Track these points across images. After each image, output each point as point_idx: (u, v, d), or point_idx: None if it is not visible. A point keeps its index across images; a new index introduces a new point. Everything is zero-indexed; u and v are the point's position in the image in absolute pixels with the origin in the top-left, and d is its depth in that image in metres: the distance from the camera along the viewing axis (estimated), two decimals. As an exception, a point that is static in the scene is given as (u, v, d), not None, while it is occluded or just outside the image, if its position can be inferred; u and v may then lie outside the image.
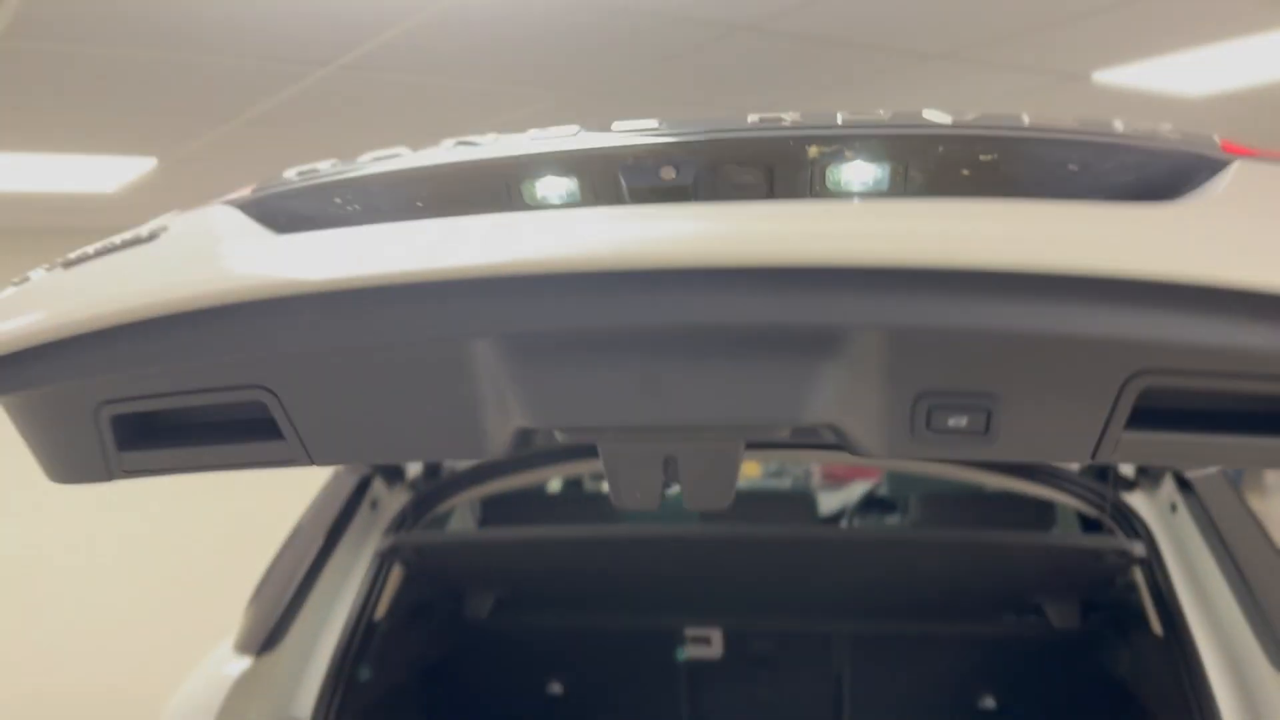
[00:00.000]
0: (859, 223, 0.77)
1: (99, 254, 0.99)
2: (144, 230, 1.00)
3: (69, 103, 3.29)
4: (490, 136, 0.94)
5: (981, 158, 0.90)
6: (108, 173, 4.23)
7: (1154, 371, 0.83)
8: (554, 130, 0.92)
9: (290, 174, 1.00)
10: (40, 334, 0.91)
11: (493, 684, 2.44)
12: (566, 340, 0.87)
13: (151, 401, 1.00)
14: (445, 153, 0.94)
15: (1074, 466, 2.05)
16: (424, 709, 2.29)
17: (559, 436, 0.93)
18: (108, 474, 1.07)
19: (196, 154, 4.00)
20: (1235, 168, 0.84)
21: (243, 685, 1.88)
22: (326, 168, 0.99)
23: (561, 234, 0.78)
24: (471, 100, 3.58)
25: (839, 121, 0.89)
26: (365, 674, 1.97)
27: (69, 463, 1.10)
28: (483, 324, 0.85)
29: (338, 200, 0.96)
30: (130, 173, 4.25)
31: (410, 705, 2.23)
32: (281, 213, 0.96)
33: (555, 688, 2.44)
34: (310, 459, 1.01)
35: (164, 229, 0.98)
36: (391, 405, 0.97)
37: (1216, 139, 0.91)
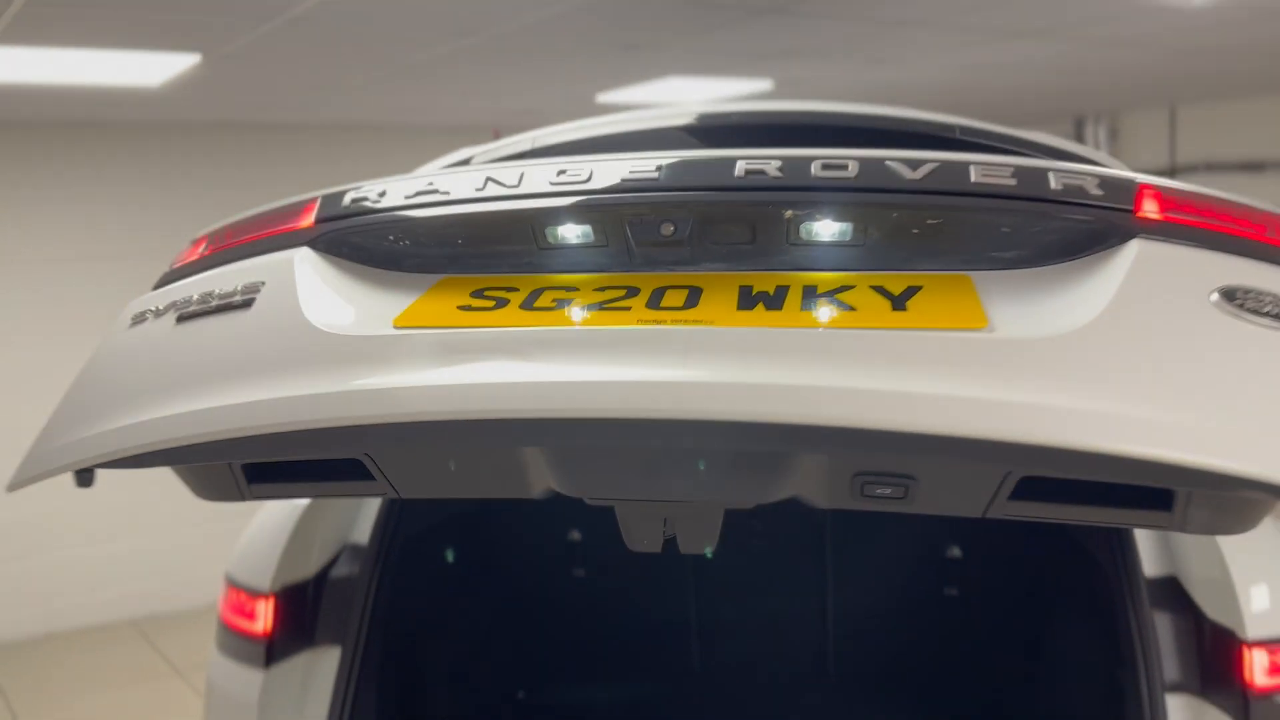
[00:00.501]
0: (778, 402, 0.99)
1: (203, 313, 1.25)
2: (238, 292, 1.24)
3: (114, -3, 3.31)
4: (518, 173, 1.23)
5: (929, 222, 1.17)
6: (152, 67, 4.26)
7: (1024, 472, 1.13)
8: (570, 173, 1.20)
9: (347, 201, 1.30)
10: (181, 440, 1.14)
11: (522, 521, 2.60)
12: (593, 449, 1.17)
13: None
14: (481, 204, 1.21)
15: None
16: (472, 533, 2.42)
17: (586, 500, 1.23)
18: (240, 498, 1.39)
19: (240, 51, 4.01)
20: (1133, 254, 1.10)
21: (310, 511, 2.13)
22: (374, 195, 1.29)
23: (586, 393, 1.02)
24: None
25: (812, 176, 1.14)
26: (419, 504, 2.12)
27: (210, 490, 1.42)
28: (541, 442, 1.17)
29: (391, 239, 1.28)
30: (174, 68, 4.27)
31: (462, 528, 2.36)
32: (349, 250, 1.28)
33: (575, 534, 2.61)
34: (397, 493, 1.31)
35: (257, 290, 1.23)
36: (462, 468, 1.28)
37: (1135, 184, 1.17)
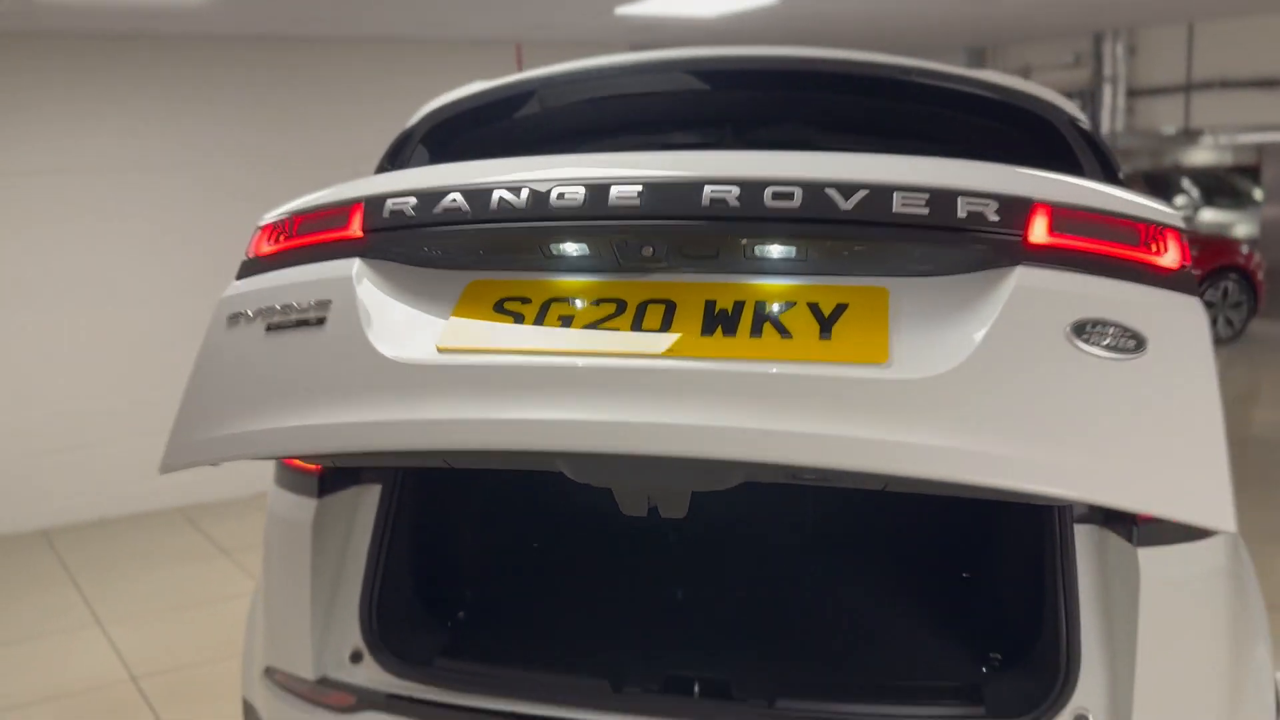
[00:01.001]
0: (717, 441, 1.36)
1: (286, 325, 1.58)
2: (311, 309, 1.57)
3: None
4: (530, 195, 1.52)
5: (856, 248, 1.48)
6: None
7: (896, 487, 1.46)
8: (568, 198, 1.49)
9: (387, 213, 1.59)
10: (289, 451, 1.54)
11: None
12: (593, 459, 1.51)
13: None
14: (499, 223, 1.52)
15: None
16: None
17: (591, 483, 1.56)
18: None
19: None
20: (1010, 287, 1.38)
21: None
22: (410, 208, 1.59)
23: (585, 432, 1.38)
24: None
25: (765, 205, 1.44)
26: None
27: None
28: (552, 464, 1.54)
29: (426, 249, 1.61)
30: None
31: None
32: (394, 254, 1.60)
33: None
34: (450, 466, 1.77)
35: (327, 308, 1.56)
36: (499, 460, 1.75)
37: (1029, 206, 1.43)
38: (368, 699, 1.93)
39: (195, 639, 4.29)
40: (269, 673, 2.10)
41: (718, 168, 1.51)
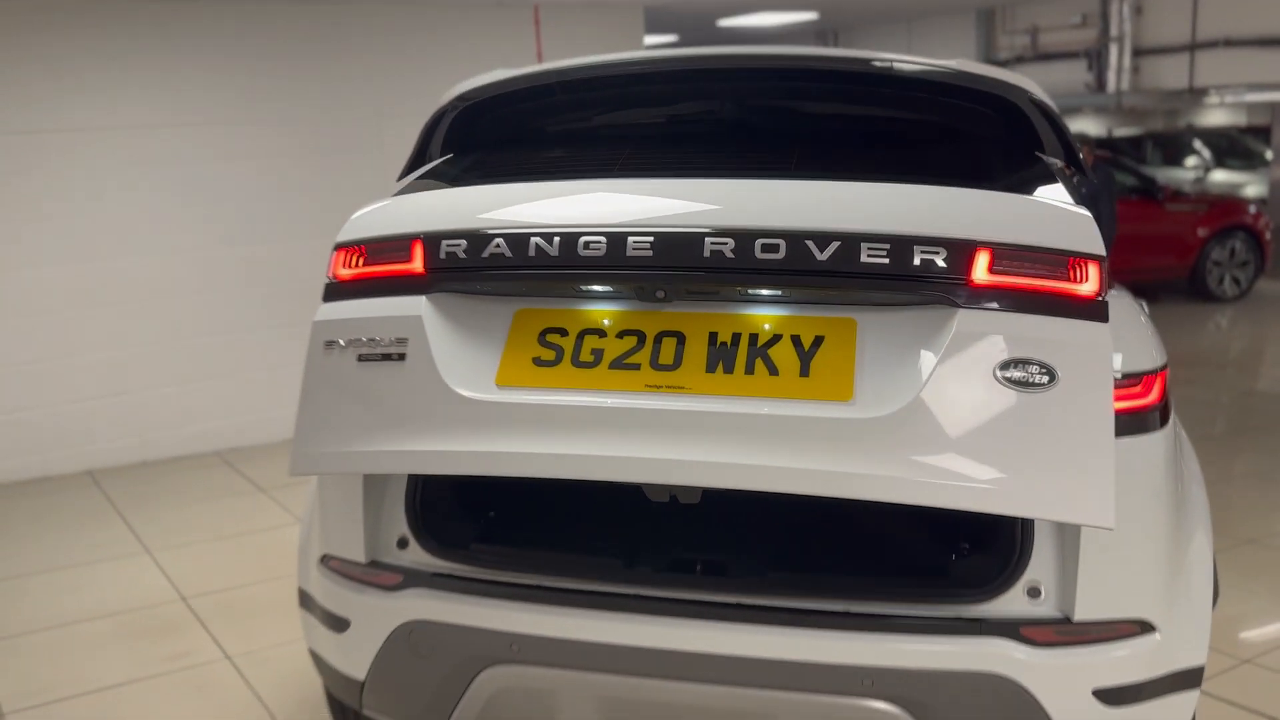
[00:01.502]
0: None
1: (373, 357, 1.99)
2: (392, 344, 1.98)
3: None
4: (562, 246, 1.90)
5: (826, 292, 1.89)
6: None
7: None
8: (592, 248, 1.87)
9: (444, 255, 1.98)
10: (390, 470, 2.06)
11: None
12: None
13: None
14: (539, 269, 1.91)
15: None
16: None
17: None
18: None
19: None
20: (952, 331, 1.77)
21: None
22: (461, 250, 1.97)
23: (615, 466, 1.84)
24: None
25: (755, 257, 1.81)
26: None
27: None
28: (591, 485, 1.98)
29: (479, 286, 1.99)
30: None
31: None
32: (453, 286, 1.99)
33: None
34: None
35: (405, 345, 1.96)
36: None
37: (972, 249, 1.81)
38: (413, 578, 2.20)
39: (239, 564, 4.60)
40: (325, 560, 2.37)
41: (717, 218, 1.86)
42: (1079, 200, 1.97)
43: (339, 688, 2.40)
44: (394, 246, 2.03)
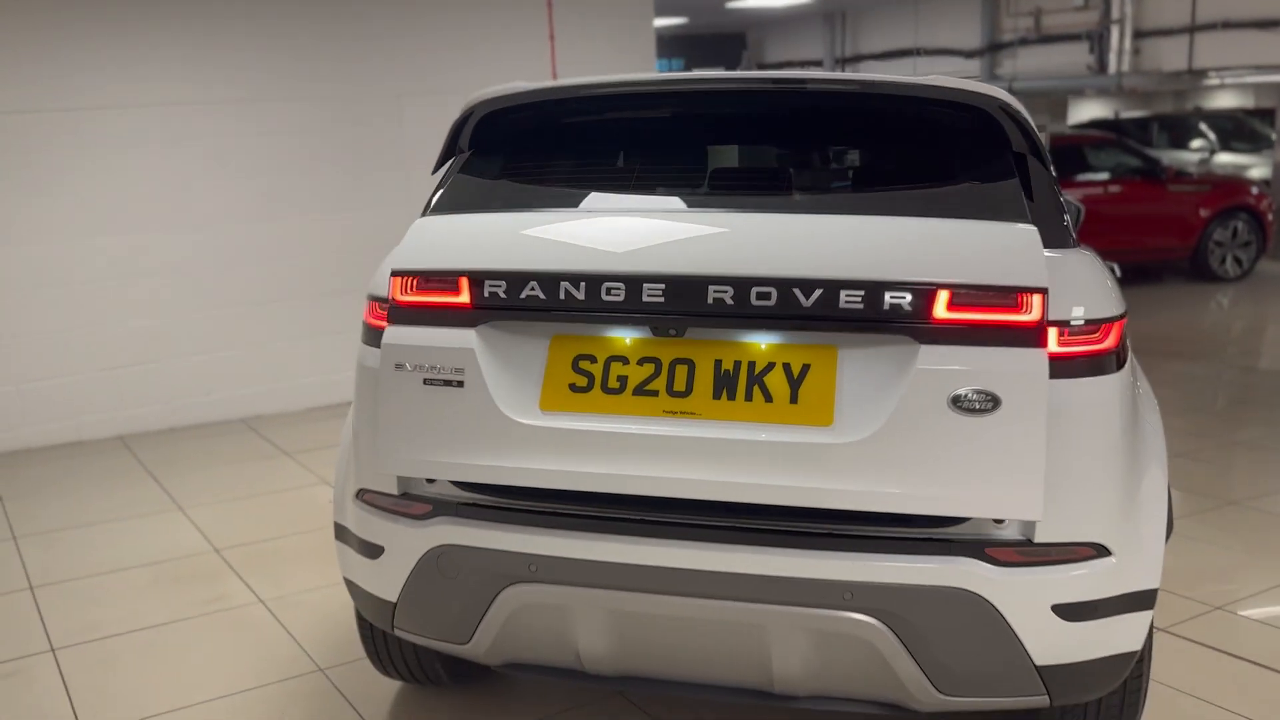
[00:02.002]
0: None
1: (436, 382, 2.36)
2: (452, 373, 2.34)
3: None
4: (588, 291, 2.26)
5: (814, 329, 2.20)
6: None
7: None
8: (613, 293, 2.24)
9: (487, 294, 2.34)
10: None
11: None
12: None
13: None
14: (570, 311, 2.28)
15: None
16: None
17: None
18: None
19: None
20: (915, 367, 2.11)
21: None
22: (502, 290, 2.32)
23: (640, 482, 2.23)
24: None
25: (751, 304, 2.16)
26: None
27: None
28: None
29: (517, 318, 2.34)
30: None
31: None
32: (499, 318, 2.34)
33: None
34: None
35: (463, 374, 2.33)
36: None
37: (931, 292, 2.15)
38: (441, 507, 2.42)
39: (267, 520, 4.85)
40: (360, 494, 2.60)
41: (718, 265, 2.20)
42: (1045, 197, 2.41)
43: (371, 610, 2.63)
44: (443, 279, 2.37)
